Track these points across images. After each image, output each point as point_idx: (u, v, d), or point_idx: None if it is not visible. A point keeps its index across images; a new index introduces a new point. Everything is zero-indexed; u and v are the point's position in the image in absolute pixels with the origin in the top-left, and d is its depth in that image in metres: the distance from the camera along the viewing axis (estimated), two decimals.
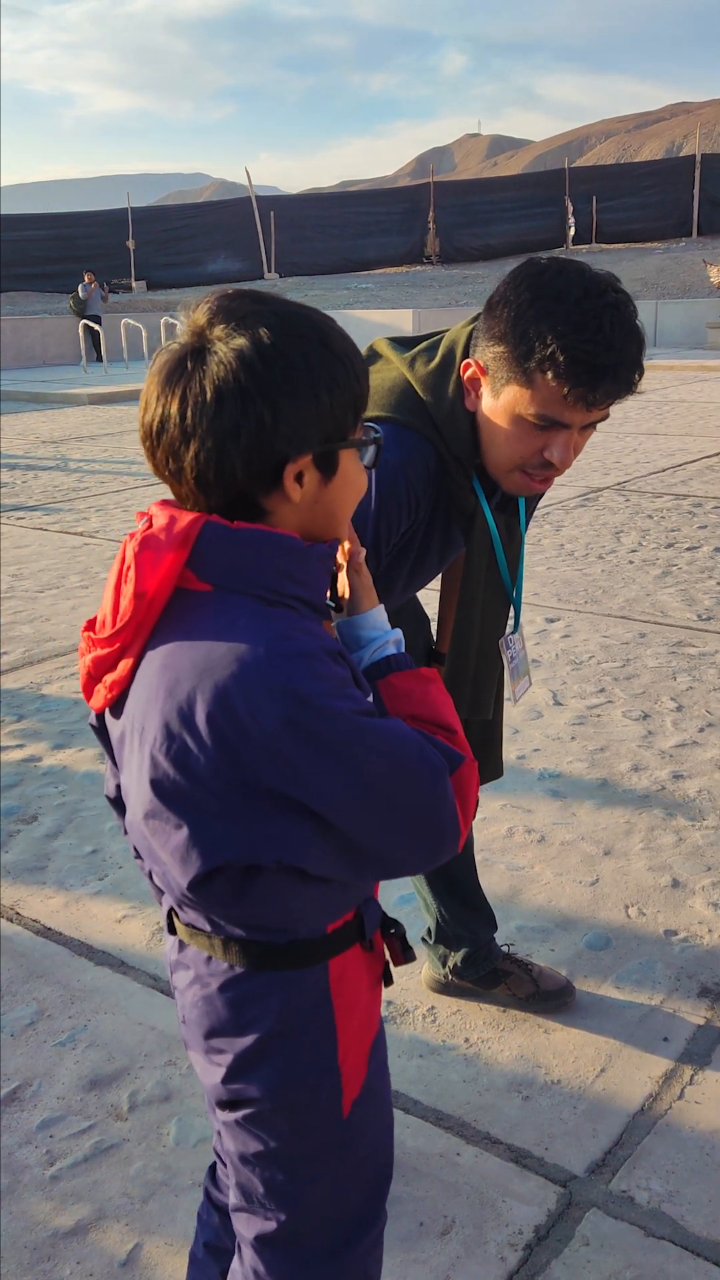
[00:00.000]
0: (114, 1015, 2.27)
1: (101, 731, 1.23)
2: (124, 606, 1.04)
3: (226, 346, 0.99)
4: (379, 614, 1.18)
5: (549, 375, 1.46)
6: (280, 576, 1.02)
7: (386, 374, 1.68)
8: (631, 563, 5.73)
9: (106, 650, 1.05)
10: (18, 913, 2.66)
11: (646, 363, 1.50)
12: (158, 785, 1.00)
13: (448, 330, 1.71)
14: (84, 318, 20.68)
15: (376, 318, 20.66)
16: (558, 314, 1.44)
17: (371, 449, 1.10)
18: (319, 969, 1.12)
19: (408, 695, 1.11)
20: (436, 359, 1.64)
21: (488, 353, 1.54)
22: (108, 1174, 1.87)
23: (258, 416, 0.98)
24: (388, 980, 1.23)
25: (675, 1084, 2.04)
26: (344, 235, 34.90)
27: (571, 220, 34.41)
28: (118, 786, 1.26)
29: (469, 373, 1.59)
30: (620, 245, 33.85)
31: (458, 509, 1.71)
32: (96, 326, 20.32)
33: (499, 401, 1.55)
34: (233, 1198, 1.22)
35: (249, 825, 0.99)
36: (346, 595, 1.18)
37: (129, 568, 1.04)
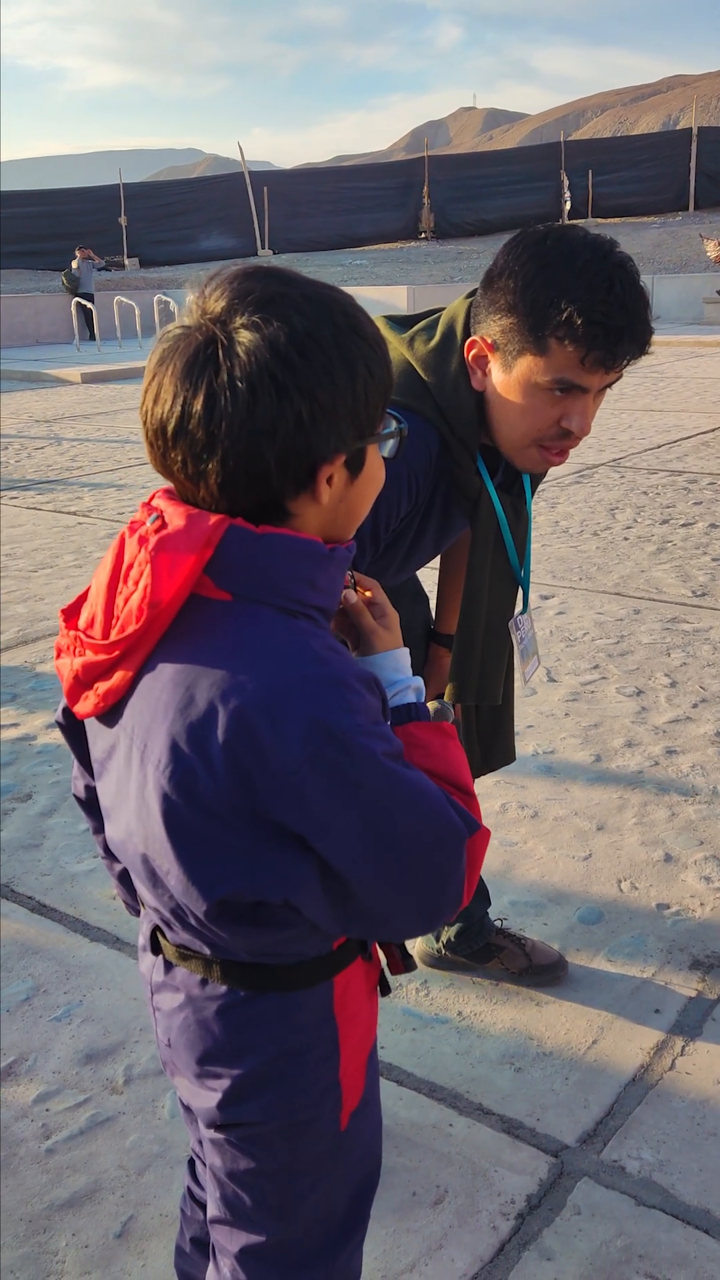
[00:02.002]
0: (109, 990, 2.28)
1: (69, 730, 1.17)
2: (126, 611, 0.95)
3: (258, 335, 0.89)
4: (400, 656, 1.10)
5: (566, 341, 1.43)
6: (304, 585, 0.95)
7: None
8: (626, 539, 5.72)
9: (102, 657, 0.96)
10: (12, 890, 2.67)
11: None
12: (162, 810, 0.93)
13: (444, 308, 1.68)
14: (77, 295, 20.53)
15: (371, 294, 20.54)
16: (568, 279, 1.41)
17: (393, 441, 1.03)
18: (324, 986, 1.07)
19: (425, 748, 1.03)
20: (436, 337, 1.60)
21: (494, 326, 1.50)
22: (103, 1146, 1.89)
23: (295, 413, 0.90)
24: (384, 989, 1.19)
25: (666, 1055, 2.05)
26: (338, 211, 34.62)
27: (567, 194, 34.15)
28: (87, 787, 1.22)
29: (474, 351, 1.55)
30: (616, 219, 33.62)
31: (462, 492, 1.67)
32: (89, 305, 20.19)
33: (512, 375, 1.51)
34: (214, 1210, 1.16)
35: (253, 859, 0.93)
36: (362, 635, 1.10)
37: (132, 567, 0.95)
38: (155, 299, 19.99)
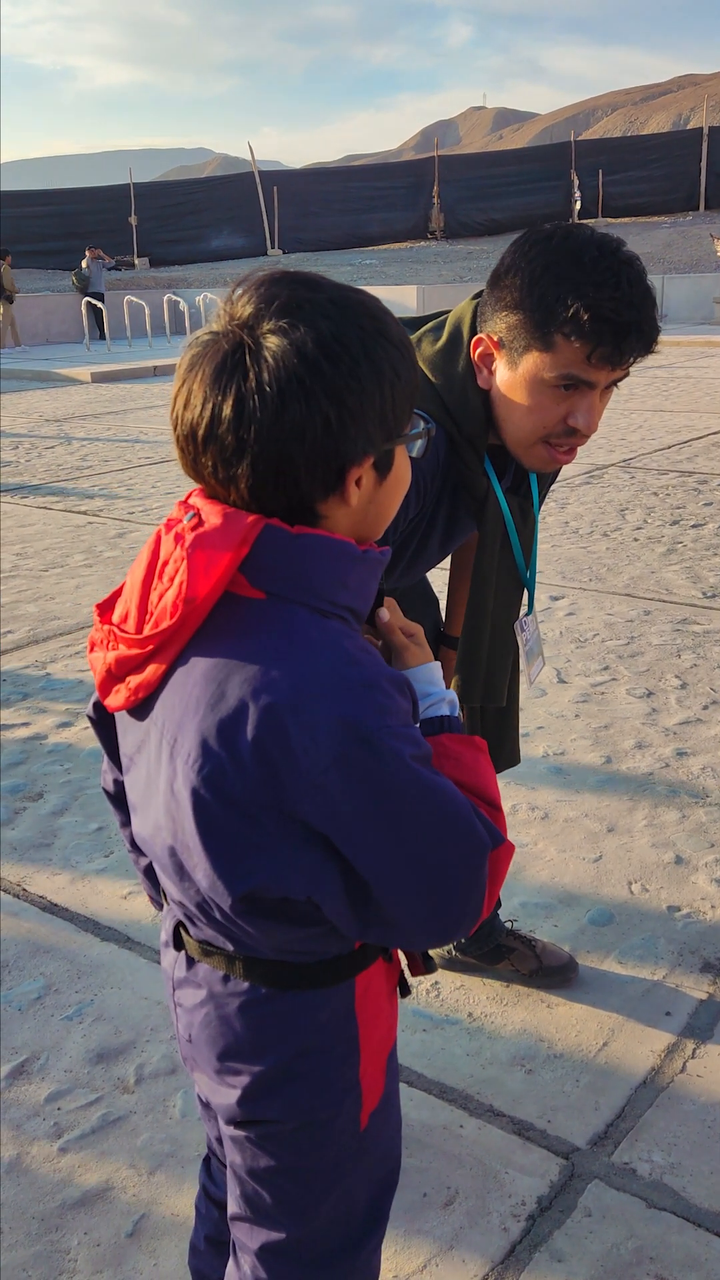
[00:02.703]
0: (120, 990, 2.29)
1: (100, 724, 1.18)
2: (161, 606, 0.96)
3: (285, 341, 0.91)
4: (433, 670, 1.11)
5: (572, 338, 1.42)
6: (337, 586, 0.96)
7: None
8: (636, 540, 5.72)
9: (135, 651, 0.98)
10: (24, 889, 2.68)
11: None
12: (191, 804, 0.95)
13: (450, 310, 1.69)
14: (87, 295, 20.58)
15: (381, 294, 20.54)
16: (576, 276, 1.41)
17: (421, 441, 1.03)
18: (345, 986, 1.08)
19: (457, 760, 1.04)
20: (443, 339, 1.60)
21: (501, 324, 1.50)
22: (115, 1145, 1.89)
23: (324, 417, 0.91)
24: (404, 991, 1.19)
25: (677, 1057, 2.05)
26: (348, 210, 34.65)
27: (577, 194, 34.12)
28: (115, 782, 1.23)
29: (480, 349, 1.55)
30: (626, 219, 33.57)
31: (469, 493, 1.67)
32: (99, 304, 20.24)
33: (518, 372, 1.50)
34: (234, 1206, 1.17)
35: (278, 856, 0.94)
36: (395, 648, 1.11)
37: (168, 564, 0.96)
38: (165, 298, 20.03)
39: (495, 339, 1.52)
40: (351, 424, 0.93)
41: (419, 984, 2.29)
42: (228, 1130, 1.13)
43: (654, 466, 7.58)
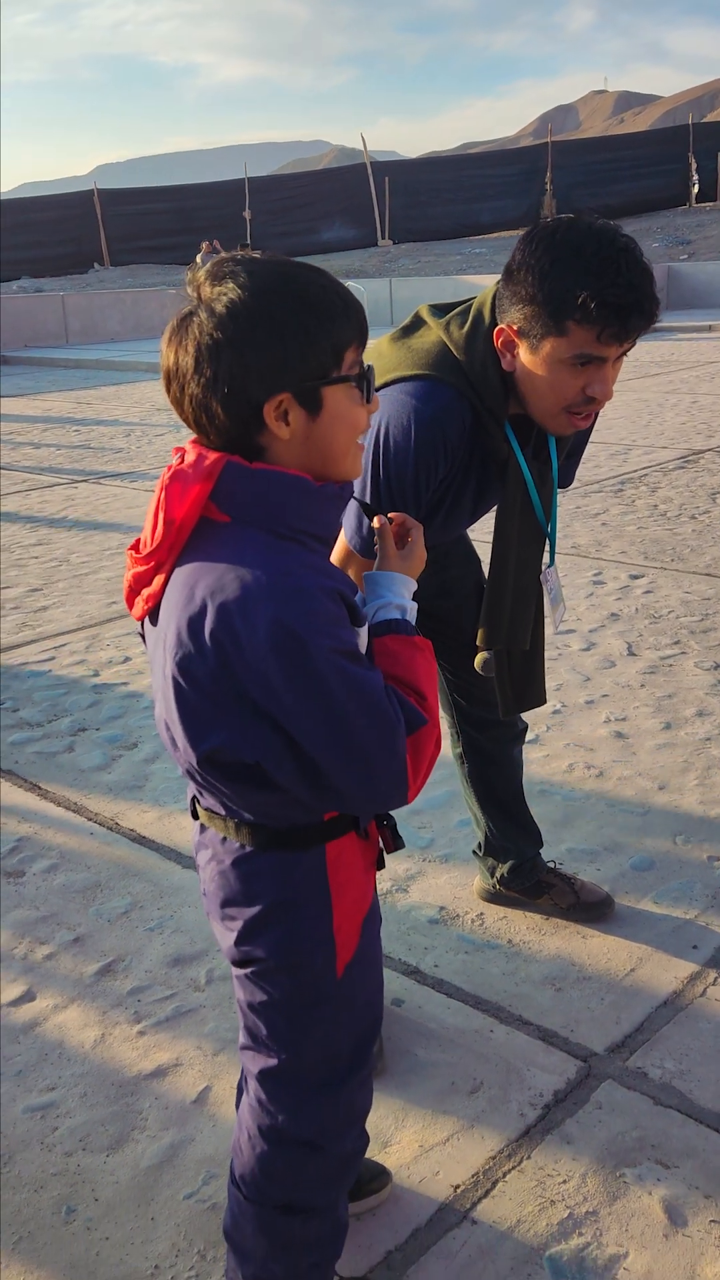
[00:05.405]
0: (197, 909, 2.56)
1: (144, 637, 1.44)
2: (155, 531, 1.21)
3: (209, 306, 1.16)
4: (398, 580, 1.34)
5: (583, 323, 1.65)
6: (289, 513, 1.17)
7: (427, 338, 1.88)
8: None
9: (144, 568, 1.23)
10: (117, 823, 2.98)
11: None
12: (172, 685, 1.19)
13: (476, 296, 1.91)
14: None
15: (488, 282, 20.51)
16: (579, 268, 1.63)
17: (361, 385, 1.21)
18: (316, 851, 1.29)
19: (394, 657, 1.25)
20: (468, 323, 1.84)
21: (518, 314, 1.72)
22: (185, 1031, 2.16)
23: (228, 365, 1.14)
24: (380, 864, 1.41)
25: (699, 984, 2.22)
26: (459, 199, 34.64)
27: (695, 177, 33.39)
28: None
29: (502, 339, 1.77)
30: None
31: (492, 457, 1.90)
32: None
33: (538, 355, 1.73)
34: (242, 1038, 1.41)
35: (232, 725, 1.16)
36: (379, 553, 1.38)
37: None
38: None
39: (514, 328, 1.74)
40: (254, 370, 1.15)
41: (465, 912, 2.49)
42: (235, 971, 1.38)
43: None
